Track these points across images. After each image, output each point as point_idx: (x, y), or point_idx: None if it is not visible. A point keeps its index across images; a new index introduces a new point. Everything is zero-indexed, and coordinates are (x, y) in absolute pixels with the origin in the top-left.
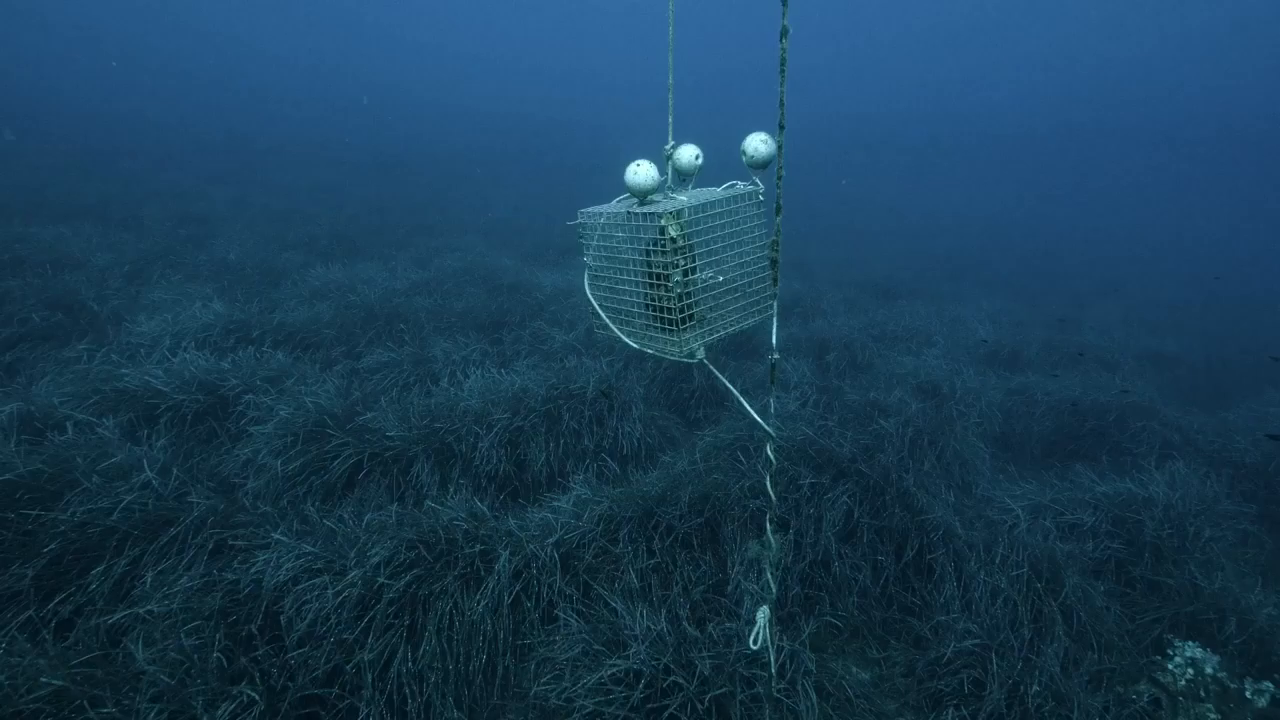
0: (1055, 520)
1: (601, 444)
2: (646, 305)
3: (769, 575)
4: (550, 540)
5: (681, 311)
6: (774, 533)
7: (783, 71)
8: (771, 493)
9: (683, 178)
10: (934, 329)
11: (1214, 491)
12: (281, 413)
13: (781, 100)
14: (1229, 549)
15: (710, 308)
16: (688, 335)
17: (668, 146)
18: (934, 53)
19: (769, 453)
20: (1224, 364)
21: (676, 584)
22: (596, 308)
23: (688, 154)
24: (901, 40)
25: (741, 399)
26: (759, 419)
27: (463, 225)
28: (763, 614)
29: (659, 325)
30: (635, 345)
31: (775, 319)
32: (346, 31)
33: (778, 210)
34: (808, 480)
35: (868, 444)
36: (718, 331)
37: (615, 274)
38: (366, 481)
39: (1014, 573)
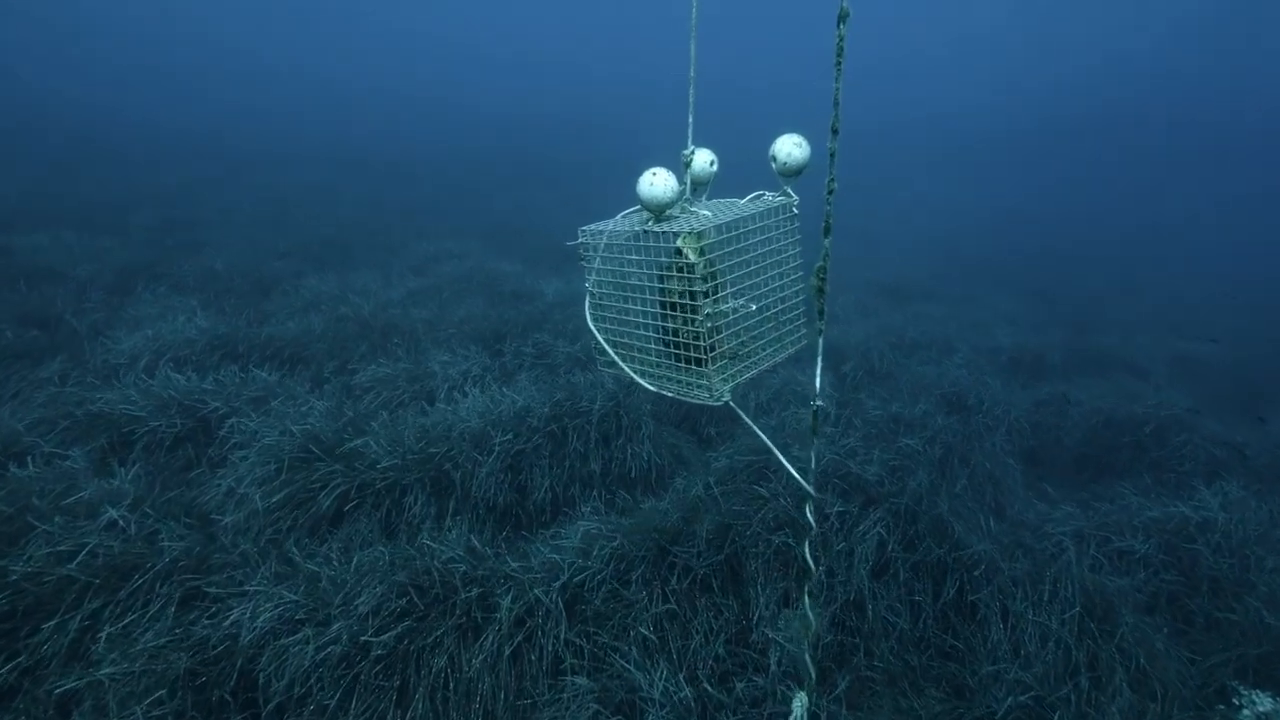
0: (1102, 548)
1: (609, 466)
2: (663, 340)
3: (807, 657)
4: (556, 583)
5: (711, 349)
6: (813, 607)
7: (839, 64)
8: (810, 562)
9: (696, 186)
10: (953, 334)
11: (1269, 514)
12: (266, 439)
13: (836, 99)
14: None
15: (742, 342)
16: (717, 378)
17: (686, 151)
18: (946, 53)
19: (809, 515)
20: (1256, 369)
21: (696, 634)
22: (601, 342)
23: (702, 159)
24: (914, 41)
25: (777, 451)
26: (798, 476)
27: (463, 229)
28: (800, 703)
29: (678, 363)
30: (652, 387)
31: (820, 359)
32: (345, 27)
33: (826, 230)
34: (835, 509)
35: (895, 465)
36: (750, 370)
37: (624, 302)
38: (356, 514)
39: (1065, 613)
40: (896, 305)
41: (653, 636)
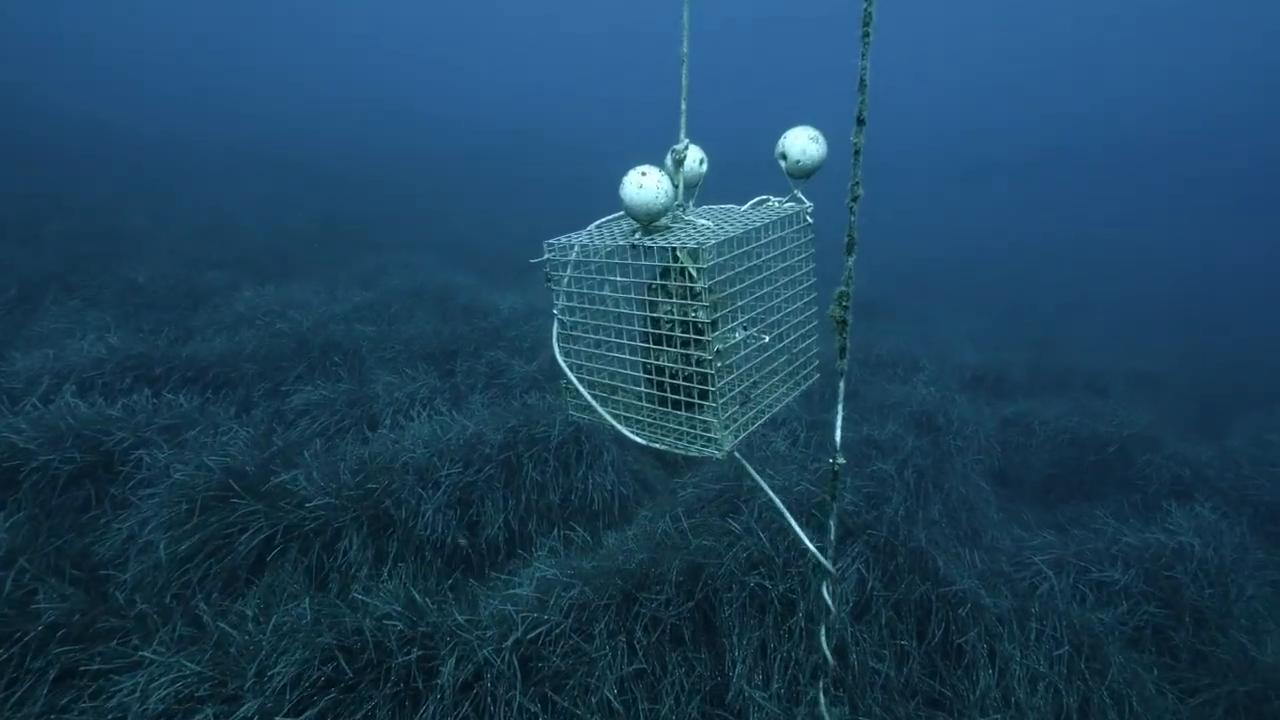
0: (1082, 578)
1: (569, 498)
2: (651, 380)
3: None
4: (508, 640)
5: (720, 394)
6: (829, 706)
7: (866, 38)
8: (827, 651)
9: (684, 189)
10: (918, 352)
11: (1240, 537)
12: (178, 474)
13: (862, 79)
14: (1270, 607)
15: (753, 382)
16: (727, 429)
17: (679, 145)
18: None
19: (826, 596)
20: (1208, 386)
21: (667, 696)
22: (574, 380)
23: (691, 157)
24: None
25: (794, 523)
26: (818, 553)
27: (417, 241)
28: None
29: (670, 408)
30: (639, 439)
31: (842, 404)
32: (303, 30)
33: (849, 247)
34: (812, 544)
35: (870, 491)
36: (761, 417)
37: (600, 332)
38: (280, 562)
39: (1054, 652)
40: (862, 321)
41: (617, 703)
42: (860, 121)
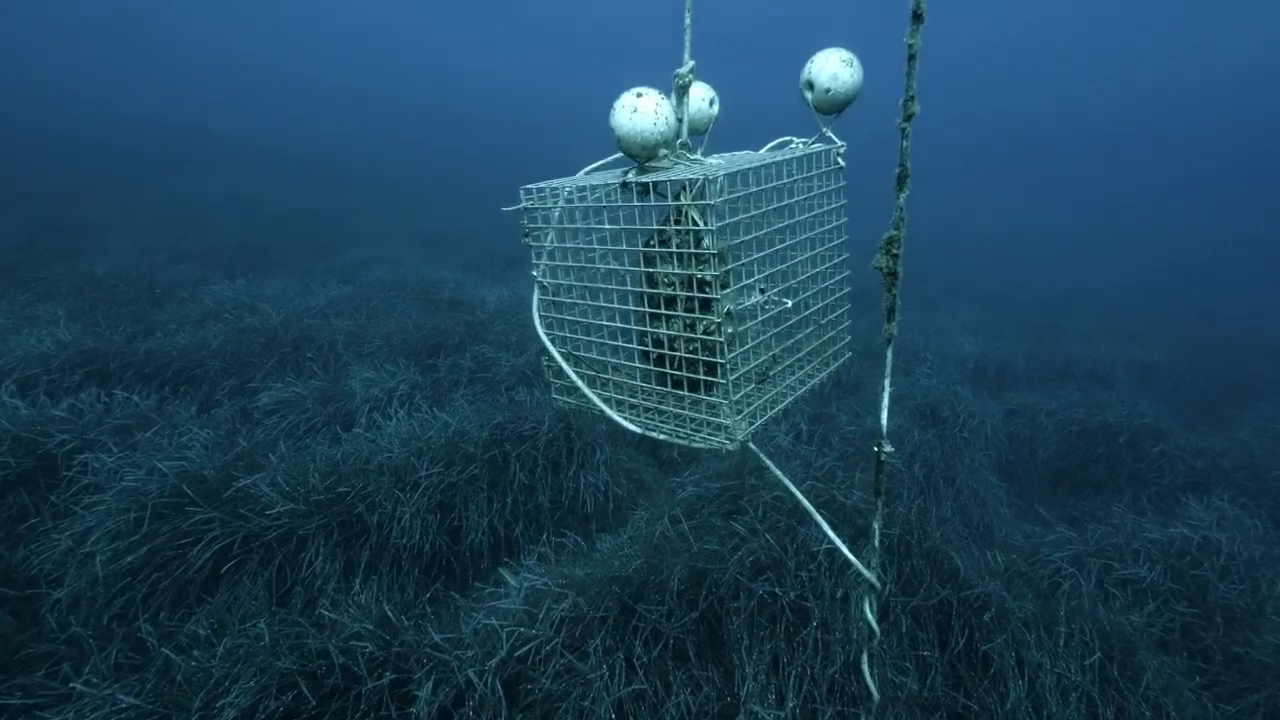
0: (1105, 576)
1: (559, 499)
2: (649, 355)
3: None
4: (493, 661)
5: (731, 370)
6: None
7: None
8: (871, 684)
9: (690, 132)
10: (918, 342)
11: (1264, 531)
12: (126, 480)
13: None
14: None
15: (772, 356)
16: (739, 414)
17: (683, 69)
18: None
19: (869, 614)
20: (1211, 376)
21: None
22: (557, 357)
23: (699, 95)
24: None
25: (829, 529)
26: (859, 564)
27: (398, 233)
28: None
29: (673, 388)
30: (635, 428)
31: (889, 380)
32: (285, 19)
33: (901, 180)
34: (822, 546)
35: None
36: (782, 399)
37: (590, 297)
38: (237, 575)
39: (1085, 659)
40: (857, 311)
41: None
42: (917, 17)
